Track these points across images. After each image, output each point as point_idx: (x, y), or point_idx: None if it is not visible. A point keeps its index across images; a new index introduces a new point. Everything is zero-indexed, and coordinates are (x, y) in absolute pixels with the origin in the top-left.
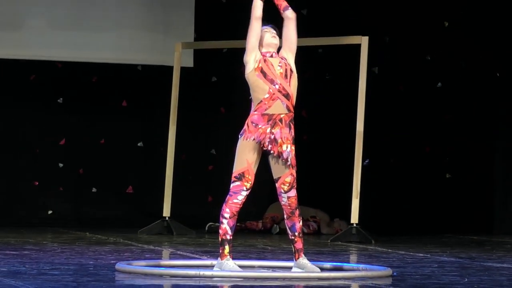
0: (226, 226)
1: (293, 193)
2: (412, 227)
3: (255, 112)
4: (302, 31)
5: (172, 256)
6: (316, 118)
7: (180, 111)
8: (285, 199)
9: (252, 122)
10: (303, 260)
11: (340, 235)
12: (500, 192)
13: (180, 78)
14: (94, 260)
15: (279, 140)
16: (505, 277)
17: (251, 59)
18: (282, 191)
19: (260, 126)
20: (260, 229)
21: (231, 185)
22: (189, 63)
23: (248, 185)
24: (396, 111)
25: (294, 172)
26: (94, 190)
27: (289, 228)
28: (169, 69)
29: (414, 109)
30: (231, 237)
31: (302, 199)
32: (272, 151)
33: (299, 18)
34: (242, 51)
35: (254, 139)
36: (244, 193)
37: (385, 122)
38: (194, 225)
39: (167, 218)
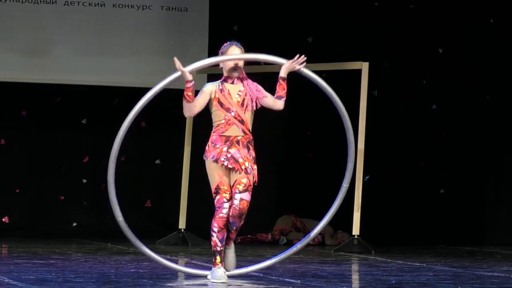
0: (215, 239)
1: (246, 196)
2: (409, 238)
3: (214, 133)
4: (308, 58)
5: (187, 265)
6: (320, 137)
7: (194, 131)
8: (237, 201)
9: (211, 143)
10: (229, 249)
11: (342, 246)
12: (490, 206)
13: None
14: (115, 269)
15: (240, 160)
16: (495, 285)
17: (207, 98)
18: (237, 191)
19: (217, 146)
20: (269, 240)
21: (214, 202)
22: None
23: (227, 196)
24: (394, 130)
25: (251, 180)
26: None
27: (230, 223)
28: None
29: (411, 129)
30: (222, 248)
31: (309, 213)
32: (230, 166)
33: (306, 45)
34: (251, 76)
35: (212, 157)
36: (227, 205)
37: (384, 140)
38: (208, 237)
39: (182, 230)
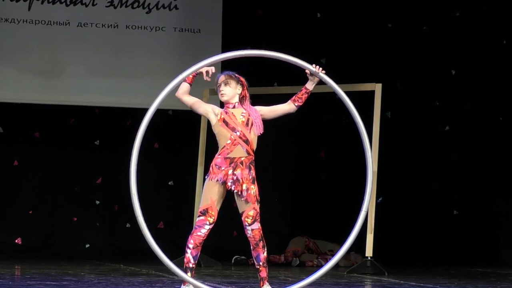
0: (189, 255)
1: (256, 226)
2: (422, 259)
3: (219, 156)
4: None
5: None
6: (333, 158)
7: (207, 152)
8: (249, 232)
9: (215, 165)
10: (266, 287)
11: (355, 268)
12: (504, 227)
13: (207, 122)
14: None
15: (240, 180)
16: None
17: (210, 114)
18: (246, 224)
19: (223, 168)
20: (282, 262)
21: (197, 220)
22: None
23: (211, 220)
24: (407, 152)
25: (257, 207)
26: (128, 225)
27: (255, 258)
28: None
29: (424, 150)
30: (194, 265)
31: (321, 234)
32: (235, 190)
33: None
34: (262, 97)
35: (217, 180)
36: (207, 227)
37: (397, 162)
38: (221, 258)
39: None
